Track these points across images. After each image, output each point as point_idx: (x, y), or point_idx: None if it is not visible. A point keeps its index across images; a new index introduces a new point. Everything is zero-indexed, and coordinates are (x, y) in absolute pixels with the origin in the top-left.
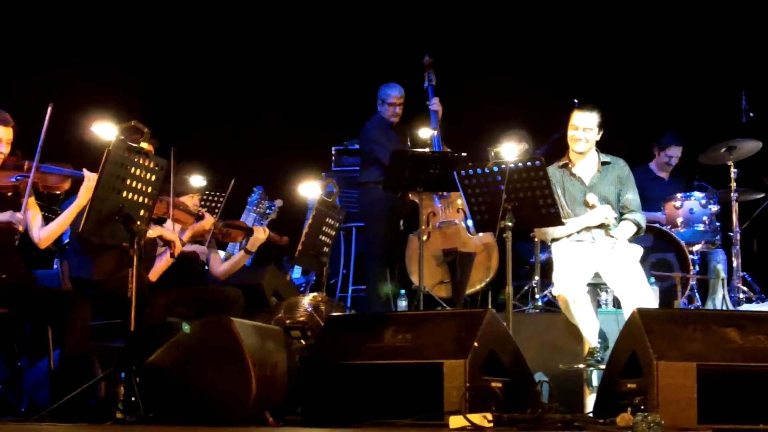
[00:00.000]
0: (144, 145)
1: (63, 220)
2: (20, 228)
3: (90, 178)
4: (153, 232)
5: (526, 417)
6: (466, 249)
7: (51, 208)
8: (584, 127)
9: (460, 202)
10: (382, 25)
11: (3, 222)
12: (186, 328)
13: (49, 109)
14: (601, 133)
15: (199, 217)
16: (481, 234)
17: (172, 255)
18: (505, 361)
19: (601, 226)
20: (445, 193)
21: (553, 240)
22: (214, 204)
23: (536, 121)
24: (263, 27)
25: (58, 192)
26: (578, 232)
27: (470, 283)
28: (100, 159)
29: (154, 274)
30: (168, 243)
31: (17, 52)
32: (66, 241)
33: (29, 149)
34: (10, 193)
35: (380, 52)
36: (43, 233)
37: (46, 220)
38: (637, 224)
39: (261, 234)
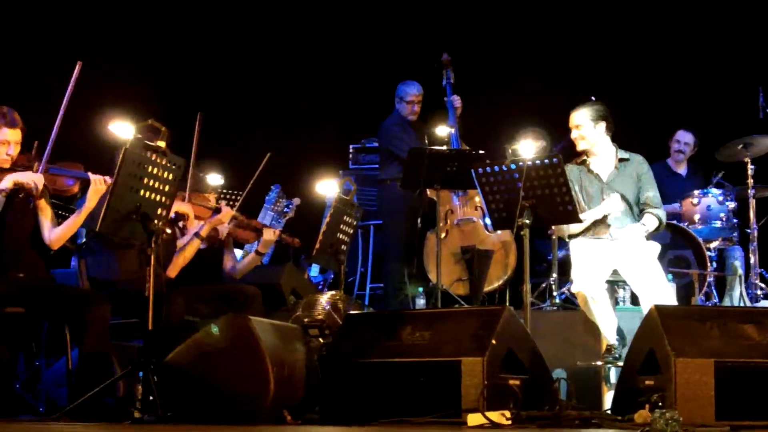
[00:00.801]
0: (161, 143)
1: (73, 222)
2: (35, 192)
3: (96, 182)
4: None
5: (544, 414)
6: (484, 246)
7: (69, 207)
8: (575, 125)
9: (478, 199)
10: (400, 23)
11: (21, 182)
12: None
13: (78, 67)
14: (600, 125)
15: (216, 210)
16: (499, 231)
17: (184, 227)
18: (523, 359)
19: (605, 218)
20: (462, 191)
21: (570, 236)
22: (231, 203)
23: (553, 118)
24: (280, 25)
25: (68, 195)
26: (594, 229)
27: (488, 280)
28: (115, 158)
29: (173, 270)
30: (182, 218)
31: (31, 50)
32: (83, 240)
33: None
34: (21, 194)
35: (398, 50)
36: (54, 235)
37: (63, 219)
38: (659, 219)
39: (271, 235)
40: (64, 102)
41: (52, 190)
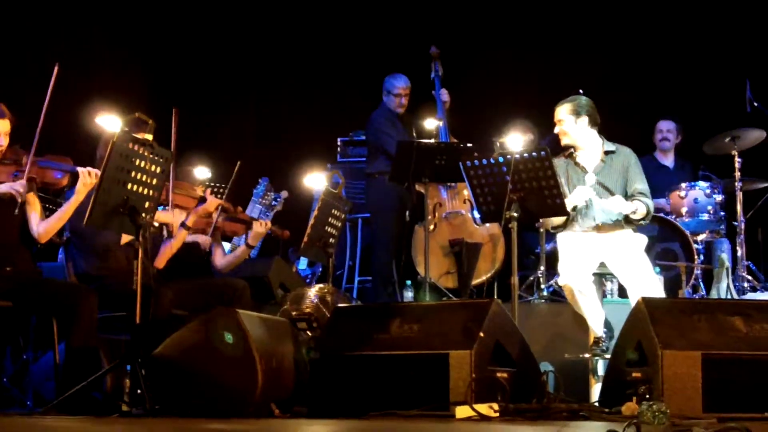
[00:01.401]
0: (148, 136)
1: (61, 215)
2: (19, 200)
3: (85, 174)
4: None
5: (532, 407)
6: (473, 239)
7: (57, 201)
8: (558, 120)
9: (466, 192)
10: (388, 16)
11: (4, 193)
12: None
13: (56, 69)
14: (583, 119)
15: (202, 200)
16: (487, 224)
17: (170, 234)
18: (511, 351)
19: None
20: (451, 184)
21: (554, 228)
22: (219, 195)
23: (541, 111)
24: (269, 17)
25: (57, 188)
26: (580, 222)
27: (476, 273)
28: (99, 151)
29: (160, 261)
30: (165, 225)
31: (13, 45)
32: (69, 235)
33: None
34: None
35: (386, 42)
36: (42, 228)
37: (51, 213)
38: (648, 207)
39: (261, 228)
40: (45, 105)
41: (40, 183)
